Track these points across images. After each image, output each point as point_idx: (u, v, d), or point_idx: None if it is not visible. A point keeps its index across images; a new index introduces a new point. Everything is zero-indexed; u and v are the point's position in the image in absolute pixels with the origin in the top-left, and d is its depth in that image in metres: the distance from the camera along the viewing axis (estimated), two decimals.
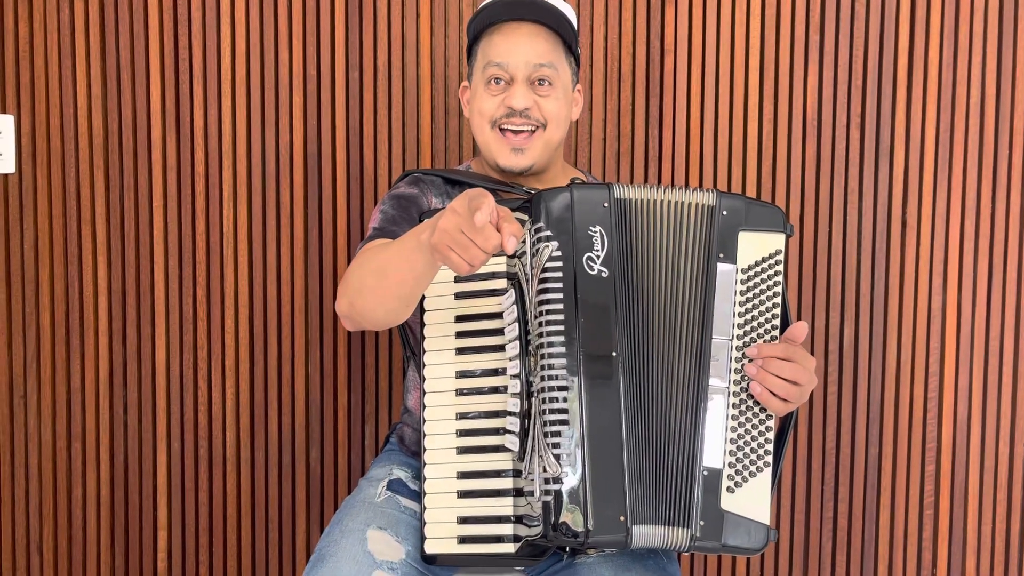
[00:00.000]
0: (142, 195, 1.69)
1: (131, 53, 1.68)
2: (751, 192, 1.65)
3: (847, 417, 1.67)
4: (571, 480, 1.07)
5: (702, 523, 1.08)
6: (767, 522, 1.10)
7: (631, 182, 1.65)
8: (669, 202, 1.14)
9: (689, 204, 1.14)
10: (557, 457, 1.08)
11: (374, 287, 1.13)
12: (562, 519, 1.07)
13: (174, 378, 1.71)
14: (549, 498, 1.07)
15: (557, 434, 1.08)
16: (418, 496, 1.25)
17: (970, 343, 1.66)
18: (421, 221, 1.22)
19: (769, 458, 1.12)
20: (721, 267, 1.13)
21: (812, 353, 1.54)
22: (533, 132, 1.30)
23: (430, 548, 1.16)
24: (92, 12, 1.67)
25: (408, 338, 1.37)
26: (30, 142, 1.70)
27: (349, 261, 1.69)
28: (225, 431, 1.70)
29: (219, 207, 1.68)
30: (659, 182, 1.65)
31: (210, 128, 1.67)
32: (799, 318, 1.65)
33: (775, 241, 1.14)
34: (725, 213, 1.14)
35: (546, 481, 1.08)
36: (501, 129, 1.30)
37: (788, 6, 1.64)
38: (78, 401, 1.72)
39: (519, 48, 1.28)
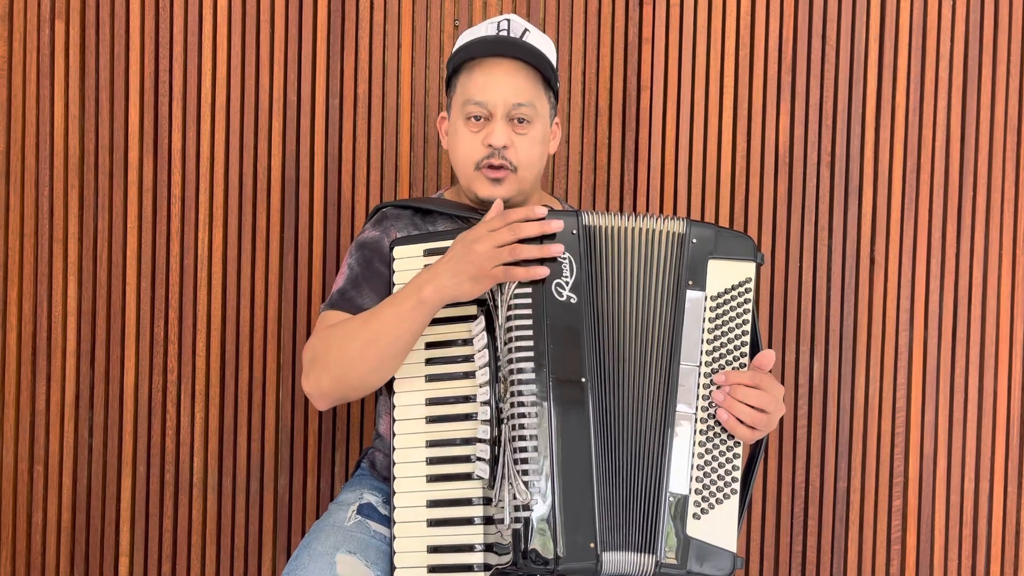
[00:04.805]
0: (116, 216, 1.68)
1: (111, 74, 1.68)
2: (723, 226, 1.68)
3: (816, 451, 1.68)
4: (541, 507, 1.07)
5: (668, 549, 1.08)
6: (733, 549, 1.10)
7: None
8: (639, 229, 1.15)
9: (659, 232, 1.15)
10: (527, 484, 1.07)
11: (363, 355, 1.14)
12: (532, 546, 1.06)
13: (142, 401, 1.69)
14: (519, 525, 1.07)
15: (526, 460, 1.08)
16: (388, 521, 1.23)
17: (936, 379, 1.68)
18: (390, 266, 1.21)
19: (736, 485, 1.12)
20: (690, 294, 1.14)
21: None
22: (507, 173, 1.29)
23: None
24: (73, 32, 1.68)
25: None
26: (4, 160, 1.69)
27: (324, 288, 1.69)
28: (193, 456, 1.68)
29: (194, 230, 1.67)
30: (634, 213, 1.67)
31: (188, 151, 1.68)
32: None
33: (745, 269, 1.16)
34: (695, 241, 1.15)
35: (516, 508, 1.08)
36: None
37: (761, 47, 1.68)
38: (42, 423, 1.70)
39: (498, 86, 1.27)
